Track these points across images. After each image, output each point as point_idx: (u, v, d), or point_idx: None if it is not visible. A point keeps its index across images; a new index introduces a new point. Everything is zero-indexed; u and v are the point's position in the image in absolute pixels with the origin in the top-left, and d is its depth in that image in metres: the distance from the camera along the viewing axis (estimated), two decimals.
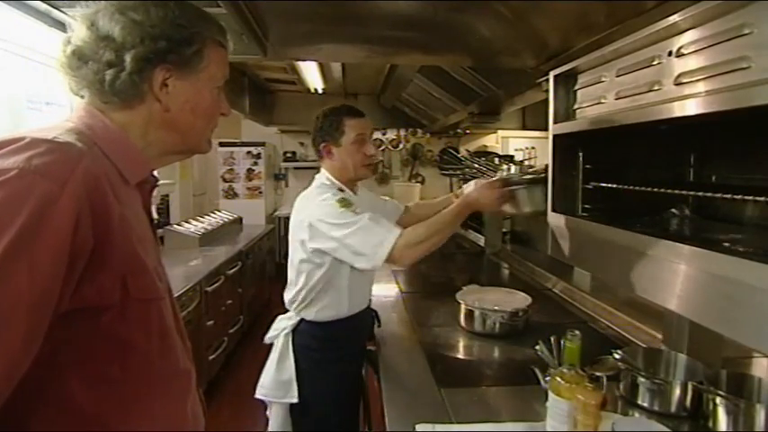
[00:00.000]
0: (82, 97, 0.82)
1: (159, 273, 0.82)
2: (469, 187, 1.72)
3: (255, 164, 5.49)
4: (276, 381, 1.73)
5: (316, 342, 1.72)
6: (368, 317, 1.91)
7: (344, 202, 1.61)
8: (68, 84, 0.82)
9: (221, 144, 5.31)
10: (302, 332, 1.73)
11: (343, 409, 1.76)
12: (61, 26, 1.77)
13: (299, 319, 1.74)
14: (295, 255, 1.74)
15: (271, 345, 1.82)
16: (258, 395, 1.76)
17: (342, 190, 1.74)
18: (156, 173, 0.91)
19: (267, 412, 1.81)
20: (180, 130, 0.85)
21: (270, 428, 1.78)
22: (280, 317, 1.82)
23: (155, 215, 3.81)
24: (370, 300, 1.90)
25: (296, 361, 1.72)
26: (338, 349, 1.73)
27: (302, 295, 1.71)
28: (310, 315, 1.72)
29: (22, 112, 2.04)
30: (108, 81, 0.78)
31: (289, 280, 1.77)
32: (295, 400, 1.70)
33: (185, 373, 0.86)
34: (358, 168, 1.76)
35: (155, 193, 0.92)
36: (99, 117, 0.80)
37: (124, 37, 0.77)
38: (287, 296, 1.77)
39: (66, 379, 0.69)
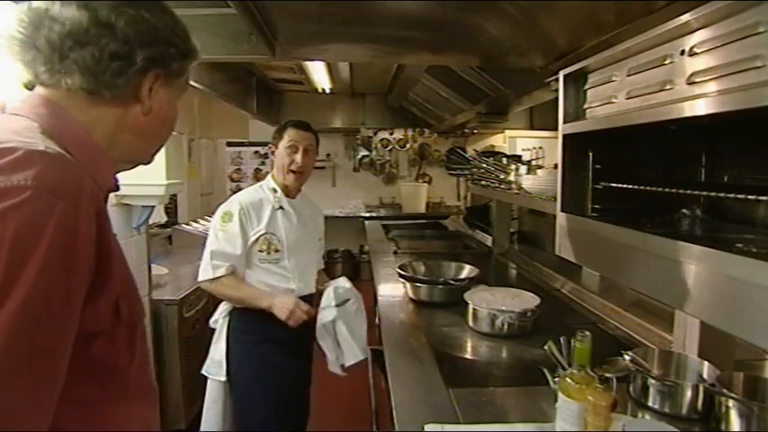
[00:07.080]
0: (46, 85, 0.71)
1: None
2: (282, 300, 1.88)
3: (263, 163, 5.51)
4: (212, 359, 1.97)
5: (243, 325, 1.93)
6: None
7: (227, 216, 1.87)
8: (44, 65, 0.69)
9: (229, 144, 5.33)
10: (234, 316, 1.95)
11: (269, 391, 1.91)
12: None
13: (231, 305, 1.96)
14: None
15: None
16: (202, 371, 2.00)
17: (275, 190, 1.97)
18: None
19: None
20: (147, 136, 0.82)
21: (205, 402, 2.00)
22: (222, 302, 2.02)
23: (163, 217, 3.86)
24: (311, 294, 2.02)
25: (228, 342, 1.94)
26: (261, 333, 1.90)
27: None
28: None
29: None
30: (111, 72, 0.71)
31: None
32: (223, 378, 1.93)
33: (154, 392, 0.85)
34: (285, 173, 1.96)
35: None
36: (60, 113, 0.70)
37: (129, 32, 0.71)
38: None
39: None
